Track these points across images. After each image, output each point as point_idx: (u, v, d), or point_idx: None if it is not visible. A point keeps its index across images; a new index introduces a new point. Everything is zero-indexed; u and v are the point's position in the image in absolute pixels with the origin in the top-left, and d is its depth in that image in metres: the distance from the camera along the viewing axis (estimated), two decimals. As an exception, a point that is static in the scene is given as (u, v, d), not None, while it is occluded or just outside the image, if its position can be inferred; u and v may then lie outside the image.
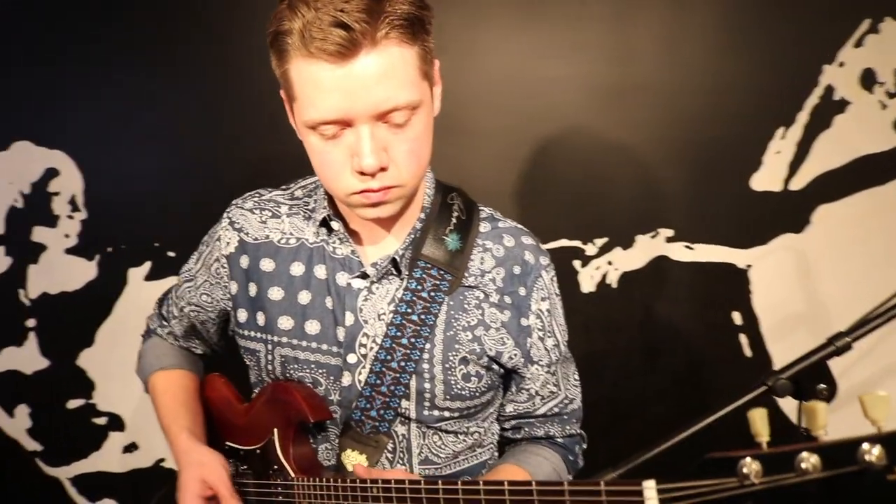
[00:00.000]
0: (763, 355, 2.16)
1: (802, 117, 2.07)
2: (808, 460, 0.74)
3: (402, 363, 1.18)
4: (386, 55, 1.00)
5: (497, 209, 2.16)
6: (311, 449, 1.22)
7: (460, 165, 2.18)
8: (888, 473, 0.70)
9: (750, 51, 2.06)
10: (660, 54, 2.09)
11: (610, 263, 2.19)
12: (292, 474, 1.17)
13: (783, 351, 2.15)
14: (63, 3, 2.20)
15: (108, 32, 2.21)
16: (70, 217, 2.32)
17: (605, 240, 2.18)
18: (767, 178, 2.10)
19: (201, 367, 1.48)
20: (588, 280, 2.20)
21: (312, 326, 1.21)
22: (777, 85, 2.07)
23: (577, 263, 2.20)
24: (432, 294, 1.20)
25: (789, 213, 2.10)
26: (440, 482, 0.98)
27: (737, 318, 2.16)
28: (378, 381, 1.18)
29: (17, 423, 2.44)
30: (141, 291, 2.33)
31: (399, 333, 1.19)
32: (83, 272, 2.35)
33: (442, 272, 1.21)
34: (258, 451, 1.24)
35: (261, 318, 1.24)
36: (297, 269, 1.23)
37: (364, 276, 1.20)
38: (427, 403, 1.20)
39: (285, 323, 1.22)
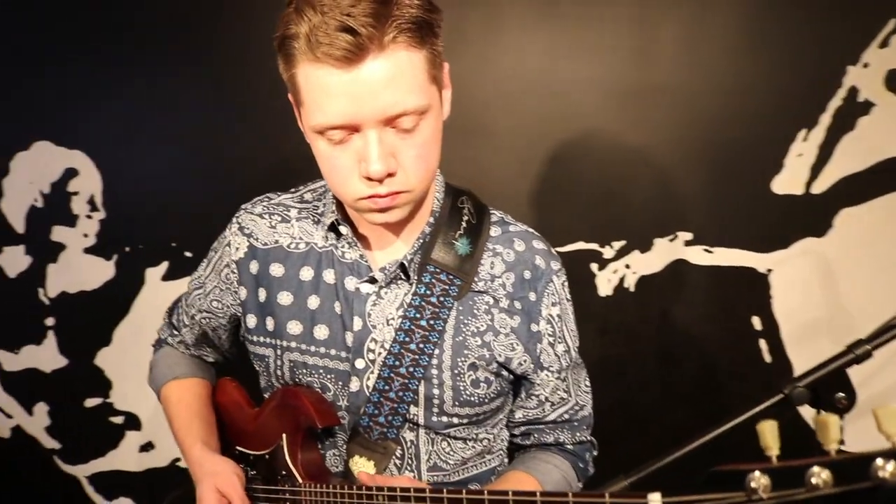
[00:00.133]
0: (783, 361, 2.12)
1: (825, 119, 2.03)
2: (820, 475, 0.72)
3: (411, 369, 1.17)
4: (393, 59, 0.99)
5: (514, 211, 2.15)
6: (319, 455, 1.21)
7: (478, 167, 2.17)
8: (903, 490, 0.68)
9: (771, 51, 2.03)
10: (680, 55, 2.06)
11: (627, 267, 2.16)
12: (300, 480, 1.17)
13: (804, 357, 2.11)
14: (84, 6, 2.21)
15: (128, 35, 2.22)
16: (89, 217, 2.34)
17: (622, 243, 2.15)
18: (789, 180, 2.06)
19: (213, 374, 1.47)
20: (605, 283, 2.18)
21: (321, 331, 1.20)
22: (799, 86, 2.03)
23: (594, 266, 2.17)
24: (441, 299, 1.19)
25: (811, 216, 2.06)
26: (445, 490, 0.97)
27: (756, 323, 2.13)
28: (386, 387, 1.17)
29: (36, 421, 2.46)
30: (158, 291, 2.35)
31: (408, 339, 1.17)
32: (101, 272, 2.36)
33: (451, 277, 1.20)
34: (267, 456, 1.24)
35: (270, 324, 1.24)
36: (307, 273, 1.23)
37: (373, 280, 1.19)
38: (436, 409, 1.19)
39: (294, 328, 1.22)
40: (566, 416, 1.30)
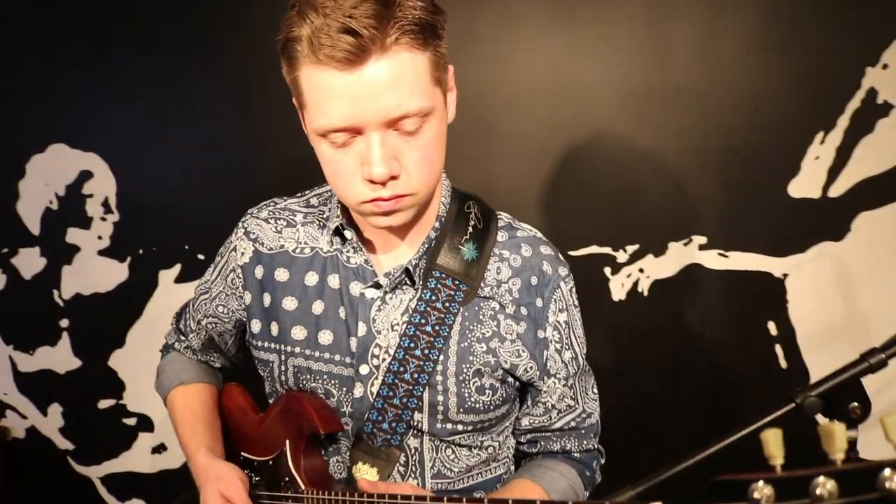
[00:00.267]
0: (799, 367, 2.09)
1: (843, 122, 2.00)
2: (825, 486, 0.70)
3: (416, 375, 1.16)
4: (396, 61, 0.98)
5: (527, 215, 2.16)
6: (322, 461, 1.20)
7: (490, 170, 2.16)
8: (910, 502, 0.66)
9: (788, 52, 2.00)
10: (695, 56, 2.04)
11: (641, 271, 2.14)
12: (303, 486, 1.16)
13: (820, 363, 2.08)
14: (98, 11, 2.23)
15: (142, 40, 2.23)
16: (103, 219, 2.35)
17: (636, 247, 2.13)
18: (806, 184, 2.03)
19: (220, 379, 1.46)
20: (619, 288, 2.15)
21: (325, 336, 1.19)
22: (817, 88, 2.00)
23: (607, 271, 2.15)
24: (447, 305, 1.17)
25: (828, 220, 2.03)
26: (445, 498, 0.96)
27: (772, 328, 2.10)
28: (390, 393, 1.16)
29: (51, 422, 2.48)
30: (171, 293, 2.35)
31: (412, 345, 1.16)
32: (115, 274, 2.38)
33: (457, 282, 1.18)
34: (271, 462, 1.23)
35: (274, 329, 1.23)
36: (312, 278, 1.22)
37: (377, 285, 1.18)
38: (440, 416, 1.17)
39: (298, 333, 1.21)
40: (573, 424, 1.28)
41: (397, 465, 1.19)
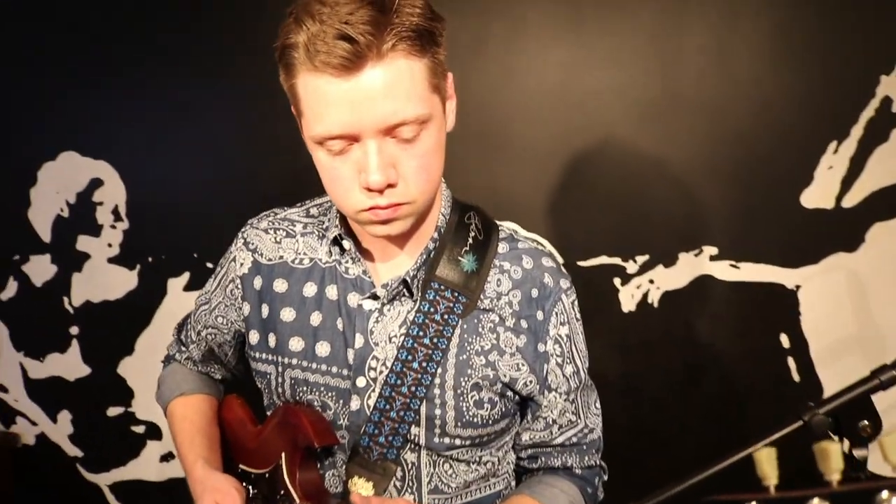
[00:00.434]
0: (812, 380, 2.06)
1: (857, 131, 1.97)
2: (820, 507, 0.68)
3: (413, 388, 1.14)
4: (393, 68, 0.96)
5: (535, 224, 2.14)
6: (318, 475, 1.19)
7: (499, 179, 2.15)
8: (909, 525, 0.64)
9: (801, 60, 1.97)
10: (706, 65, 2.02)
11: (651, 282, 2.11)
12: (297, 500, 1.14)
13: (834, 376, 2.04)
14: (109, 20, 2.24)
15: (152, 47, 2.24)
16: (113, 227, 2.36)
17: (646, 257, 2.11)
18: (819, 194, 2.00)
19: (221, 391, 1.46)
20: (628, 299, 2.13)
21: (323, 348, 1.18)
22: (830, 96, 1.97)
23: (617, 281, 2.13)
24: (445, 317, 1.15)
25: (842, 231, 2.00)
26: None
27: (785, 340, 2.07)
28: (387, 406, 1.14)
29: (60, 429, 2.49)
30: (180, 301, 2.35)
31: (410, 357, 1.14)
32: (124, 281, 2.38)
33: (456, 294, 1.17)
34: (267, 475, 1.21)
35: (272, 340, 1.22)
36: (310, 289, 1.20)
37: (375, 297, 1.17)
38: (437, 430, 1.15)
39: (296, 344, 1.19)
40: (574, 440, 1.25)
41: (394, 479, 1.17)
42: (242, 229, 1.30)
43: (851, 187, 1.98)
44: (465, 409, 1.15)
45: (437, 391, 1.15)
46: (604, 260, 2.13)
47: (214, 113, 2.26)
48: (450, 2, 2.01)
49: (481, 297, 1.18)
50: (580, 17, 2.05)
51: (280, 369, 1.21)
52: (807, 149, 2.00)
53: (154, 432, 2.43)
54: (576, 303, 1.25)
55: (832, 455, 0.70)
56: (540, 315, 1.19)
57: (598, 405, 1.31)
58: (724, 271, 2.07)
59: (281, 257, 1.24)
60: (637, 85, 2.05)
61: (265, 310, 1.23)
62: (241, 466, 1.30)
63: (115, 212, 2.35)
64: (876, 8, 1.93)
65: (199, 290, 2.29)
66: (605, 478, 1.32)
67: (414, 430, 1.15)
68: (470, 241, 1.21)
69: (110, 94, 2.29)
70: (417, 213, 1.09)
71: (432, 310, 1.16)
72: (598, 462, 1.30)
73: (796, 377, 2.07)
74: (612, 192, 2.10)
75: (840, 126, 1.97)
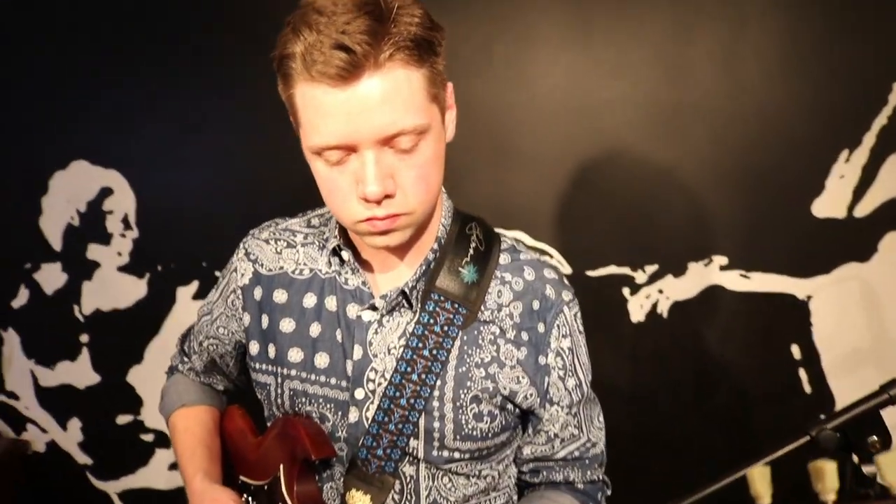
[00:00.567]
0: (824, 392, 2.03)
1: (869, 139, 1.94)
2: (813, 528, 0.67)
3: (412, 400, 1.13)
4: (390, 78, 0.96)
5: (544, 233, 2.13)
6: (316, 487, 1.18)
7: (507, 189, 2.14)
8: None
9: (812, 67, 1.95)
10: (715, 73, 2.00)
11: (661, 292, 2.10)
12: (295, 512, 1.14)
13: (846, 388, 2.02)
14: (120, 31, 2.24)
15: (162, 57, 2.24)
16: (122, 235, 2.36)
17: (655, 267, 2.09)
18: (830, 203, 1.98)
19: (223, 402, 1.45)
20: (637, 309, 2.11)
21: (322, 359, 1.17)
22: (842, 104, 1.95)
23: (626, 291, 2.11)
24: (445, 328, 1.15)
25: (854, 240, 1.98)
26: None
27: (796, 352, 2.04)
28: (386, 419, 1.13)
29: (70, 437, 2.50)
30: (189, 310, 2.36)
31: (409, 369, 1.14)
32: (134, 290, 2.39)
33: (456, 306, 1.16)
34: (266, 486, 1.21)
35: (272, 351, 1.21)
36: (310, 300, 1.20)
37: (374, 308, 1.16)
38: (436, 443, 1.14)
39: (295, 355, 1.19)
40: (577, 454, 1.24)
41: (392, 492, 1.16)
42: (244, 240, 1.30)
43: (863, 196, 1.96)
44: (463, 421, 1.14)
45: (435, 403, 1.14)
46: (612, 269, 2.12)
47: (224, 122, 2.26)
48: (458, 11, 2.02)
49: (482, 308, 1.17)
50: (588, 26, 2.04)
51: (279, 380, 1.21)
52: (818, 157, 1.97)
53: (163, 440, 2.44)
54: (578, 315, 1.23)
55: (827, 475, 0.69)
56: (541, 327, 1.18)
57: (601, 419, 1.29)
58: (735, 281, 2.05)
59: (281, 268, 1.24)
60: (645, 93, 2.04)
61: (265, 320, 1.23)
62: (242, 477, 1.29)
63: (125, 220, 2.35)
64: (887, 14, 1.90)
65: (206, 299, 2.32)
66: (609, 492, 1.30)
67: (412, 442, 1.14)
68: (471, 251, 1.20)
69: (120, 104, 2.30)
70: (416, 224, 1.08)
71: (432, 321, 1.15)
72: (600, 477, 1.28)
73: (808, 389, 2.04)
74: (620, 202, 2.09)
75: (852, 134, 1.95)
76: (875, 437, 1.05)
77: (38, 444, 2.52)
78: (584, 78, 2.06)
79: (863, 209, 1.96)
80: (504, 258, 1.22)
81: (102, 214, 2.37)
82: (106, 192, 2.35)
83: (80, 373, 2.45)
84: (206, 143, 2.28)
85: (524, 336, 1.17)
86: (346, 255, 1.17)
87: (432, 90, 1.01)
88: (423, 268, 1.16)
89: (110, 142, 2.33)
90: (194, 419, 1.36)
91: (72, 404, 2.47)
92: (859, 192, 1.96)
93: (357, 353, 1.15)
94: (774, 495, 0.73)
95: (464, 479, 1.19)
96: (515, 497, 1.30)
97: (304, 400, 1.18)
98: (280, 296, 1.22)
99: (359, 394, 1.15)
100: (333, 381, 1.17)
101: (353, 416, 1.15)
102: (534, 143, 2.10)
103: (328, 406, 1.17)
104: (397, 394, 1.14)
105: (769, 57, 1.96)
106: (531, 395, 1.16)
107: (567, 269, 2.13)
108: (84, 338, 2.44)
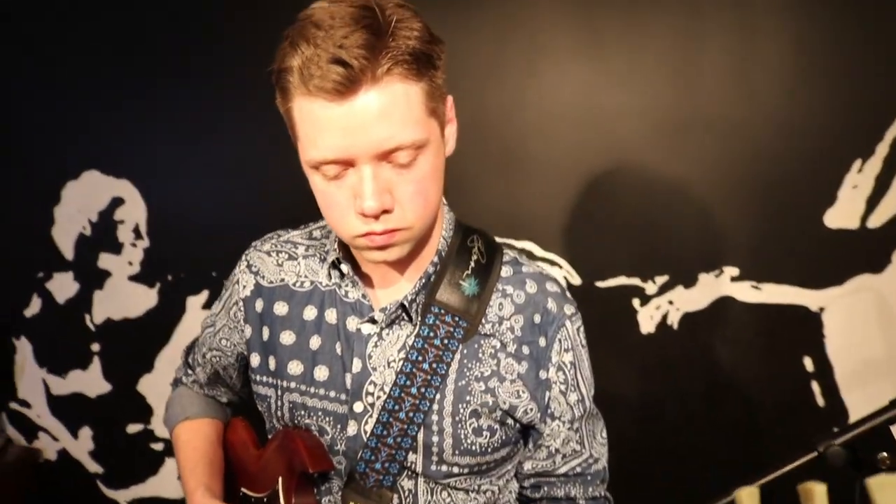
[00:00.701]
0: (838, 406, 2.00)
1: (882, 149, 1.91)
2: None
3: (411, 414, 1.12)
4: (388, 92, 0.95)
5: (554, 244, 2.12)
6: (314, 500, 1.17)
7: (517, 199, 2.13)
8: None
9: (824, 76, 1.92)
10: (726, 83, 1.98)
11: (671, 303, 2.08)
12: (294, 526, 1.13)
13: (860, 401, 1.99)
14: (132, 42, 2.26)
15: (175, 67, 2.26)
16: (133, 245, 2.38)
17: (665, 278, 2.07)
18: (843, 214, 1.95)
19: (228, 414, 1.45)
20: (647, 320, 2.09)
21: (321, 372, 1.17)
22: (854, 114, 1.92)
23: (636, 302, 2.10)
24: (445, 342, 1.14)
25: (867, 251, 1.95)
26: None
27: (808, 364, 2.01)
28: (384, 432, 1.13)
29: (81, 445, 2.51)
30: (199, 320, 2.35)
31: (409, 382, 1.13)
32: (144, 299, 2.40)
33: (457, 319, 1.15)
34: (265, 499, 1.20)
35: (272, 363, 1.21)
36: (310, 313, 1.20)
37: (373, 321, 1.15)
38: (435, 458, 1.13)
39: (295, 368, 1.19)
40: (579, 470, 1.22)
41: (390, 507, 1.15)
42: (246, 251, 1.30)
43: (877, 207, 1.93)
44: (462, 436, 1.13)
45: (434, 417, 1.13)
46: (622, 280, 2.10)
47: (235, 133, 2.26)
48: (467, 22, 2.02)
49: (482, 321, 1.16)
50: (598, 37, 2.02)
51: (279, 393, 1.20)
52: (830, 167, 1.95)
53: (172, 450, 2.44)
54: (581, 329, 1.22)
55: (816, 497, 0.67)
56: (542, 341, 1.17)
57: (604, 434, 1.27)
58: (746, 293, 2.03)
59: (282, 280, 1.23)
60: (656, 103, 2.02)
61: (266, 332, 1.22)
62: (243, 490, 1.29)
63: (136, 230, 2.37)
64: (901, 24, 1.88)
65: (217, 308, 2.32)
66: (612, 510, 1.29)
67: (411, 456, 1.14)
68: (472, 264, 1.19)
69: (132, 115, 2.31)
70: (415, 239, 1.08)
71: (432, 334, 1.14)
72: (602, 493, 1.26)
73: (820, 402, 2.01)
74: (630, 212, 2.07)
75: (865, 144, 1.93)
76: (885, 454, 1.04)
77: (50, 452, 2.54)
78: (595, 88, 2.05)
79: (876, 220, 1.93)
80: (506, 271, 1.21)
81: (114, 224, 2.38)
82: (117, 202, 2.37)
83: (91, 381, 2.46)
84: (217, 153, 2.29)
85: (525, 350, 1.16)
86: (345, 268, 1.17)
87: (431, 104, 1.01)
88: (423, 281, 1.15)
89: (122, 152, 2.34)
90: (197, 432, 1.36)
91: (83, 413, 2.48)
92: (872, 203, 1.93)
93: (356, 366, 1.15)
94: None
95: (463, 493, 1.18)
96: (517, 513, 1.29)
97: (303, 413, 1.18)
98: (281, 308, 1.22)
99: (357, 407, 1.15)
100: (332, 394, 1.16)
101: (352, 429, 1.15)
102: (543, 153, 2.09)
103: (327, 419, 1.17)
104: (396, 407, 1.13)
105: (780, 66, 1.94)
106: (531, 409, 1.15)
107: (577, 279, 2.11)
108: (95, 347, 2.45)
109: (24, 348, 2.49)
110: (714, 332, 2.06)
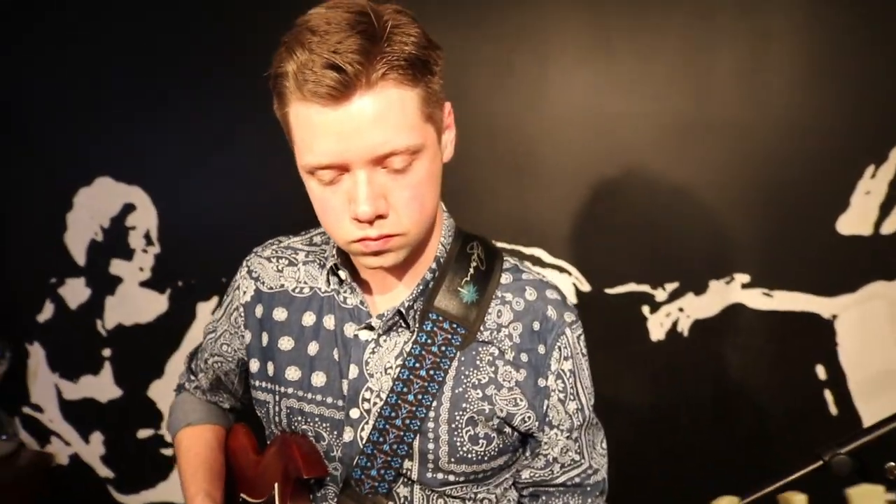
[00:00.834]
0: (851, 414, 1.97)
1: (896, 155, 1.89)
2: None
3: (407, 421, 1.11)
4: (383, 97, 0.95)
5: (562, 251, 2.11)
6: (309, 506, 1.17)
7: (526, 205, 2.12)
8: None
9: (836, 81, 1.90)
10: (737, 87, 1.96)
11: (681, 310, 2.05)
12: (289, 532, 1.13)
13: (874, 410, 1.95)
14: (144, 49, 2.28)
15: (185, 75, 2.27)
16: (144, 251, 2.39)
17: (675, 285, 2.05)
18: (856, 220, 1.92)
19: (230, 420, 1.45)
20: (657, 327, 2.07)
21: (318, 378, 1.16)
22: (867, 118, 1.89)
23: (645, 309, 2.08)
24: (443, 349, 1.13)
25: (880, 258, 1.92)
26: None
27: (821, 372, 1.98)
28: (380, 439, 1.12)
29: (92, 450, 2.52)
30: (209, 325, 2.37)
31: (405, 389, 1.12)
32: (155, 305, 2.41)
33: (455, 326, 1.14)
34: (262, 505, 1.20)
35: (270, 369, 1.21)
36: (309, 318, 1.19)
37: (370, 327, 1.15)
38: (430, 465, 1.12)
39: (293, 374, 1.18)
40: (577, 480, 1.21)
41: (386, 514, 1.14)
42: (247, 257, 1.30)
43: (890, 213, 1.90)
44: (458, 444, 1.12)
45: (431, 425, 1.12)
46: (632, 287, 2.08)
47: (245, 139, 2.27)
48: (477, 27, 2.01)
49: (481, 328, 1.15)
50: (608, 42, 2.01)
51: (277, 398, 1.20)
52: (842, 173, 1.92)
53: (181, 455, 2.45)
54: (582, 337, 1.20)
55: (795, 509, 0.66)
56: (541, 349, 1.16)
57: (604, 445, 1.25)
58: (757, 300, 2.00)
59: (282, 286, 1.23)
60: (666, 108, 2.01)
61: (265, 338, 1.22)
62: (242, 495, 1.29)
63: (147, 236, 2.38)
64: (915, 27, 1.86)
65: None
66: (612, 520, 1.27)
67: (406, 464, 1.13)
68: (471, 271, 1.18)
69: (144, 122, 2.33)
70: (410, 245, 1.07)
71: (429, 341, 1.13)
72: (602, 505, 1.25)
73: (833, 410, 1.98)
74: (640, 218, 2.05)
75: (878, 149, 1.90)
76: (893, 464, 1.02)
77: (62, 456, 2.55)
78: (604, 94, 2.04)
79: (889, 226, 1.90)
80: (506, 278, 1.20)
81: (125, 230, 2.40)
82: (129, 209, 2.38)
83: (102, 387, 2.48)
84: (228, 160, 2.29)
85: (524, 357, 1.15)
86: (343, 274, 1.16)
87: (427, 110, 1.00)
88: (421, 287, 1.15)
89: (133, 159, 2.36)
90: (198, 438, 1.36)
91: (94, 418, 2.50)
92: (886, 209, 1.90)
93: (353, 372, 1.14)
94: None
95: (459, 502, 1.17)
96: (516, 521, 1.28)
97: (300, 418, 1.18)
98: (280, 314, 1.22)
99: (354, 413, 1.14)
100: (329, 399, 1.16)
101: (348, 435, 1.14)
102: (553, 159, 2.08)
103: (324, 425, 1.16)
104: (393, 414, 1.12)
105: (791, 71, 1.92)
106: (529, 417, 1.14)
107: (586, 286, 2.10)
108: (106, 352, 2.46)
109: (37, 353, 2.52)
110: (725, 340, 2.03)
